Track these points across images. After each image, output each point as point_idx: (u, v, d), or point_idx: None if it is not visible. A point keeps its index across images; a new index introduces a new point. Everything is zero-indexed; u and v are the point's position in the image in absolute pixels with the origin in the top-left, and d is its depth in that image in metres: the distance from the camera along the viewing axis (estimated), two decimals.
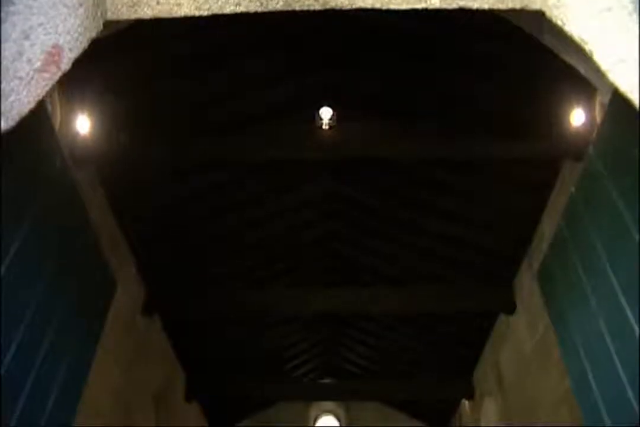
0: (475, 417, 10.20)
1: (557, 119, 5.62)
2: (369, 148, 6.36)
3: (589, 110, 5.27)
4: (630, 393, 3.06)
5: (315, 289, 8.65)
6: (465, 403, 10.79)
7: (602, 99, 4.14)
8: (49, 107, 4.83)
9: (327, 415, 13.56)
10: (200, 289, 8.31)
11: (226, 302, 8.30)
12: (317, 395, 11.92)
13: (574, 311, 4.05)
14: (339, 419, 13.43)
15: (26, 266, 3.74)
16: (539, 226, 6.90)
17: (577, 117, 5.43)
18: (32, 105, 1.72)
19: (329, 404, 13.48)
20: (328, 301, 8.19)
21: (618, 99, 3.46)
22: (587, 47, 1.93)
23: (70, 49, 1.89)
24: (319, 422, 13.42)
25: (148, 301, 8.07)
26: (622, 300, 3.40)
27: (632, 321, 3.26)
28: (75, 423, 5.86)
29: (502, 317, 8.34)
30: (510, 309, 7.91)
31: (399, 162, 7.18)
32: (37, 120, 3.85)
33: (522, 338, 7.60)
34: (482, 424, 9.83)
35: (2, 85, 1.55)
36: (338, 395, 11.63)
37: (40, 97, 1.76)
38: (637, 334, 3.19)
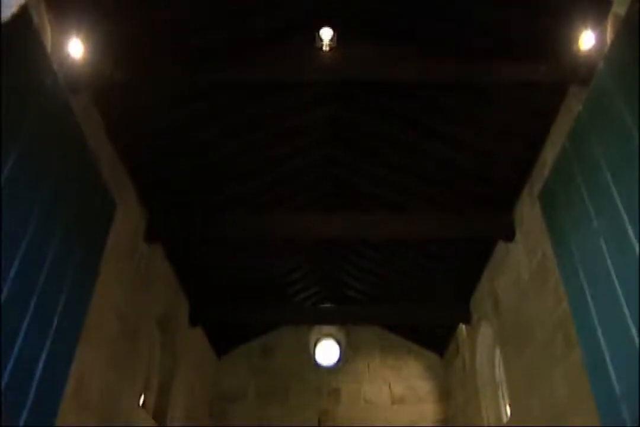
0: (471, 341, 10.44)
1: (564, 41, 5.45)
2: (370, 70, 6.24)
3: (599, 33, 5.09)
4: (627, 312, 3.08)
5: (316, 214, 8.64)
6: (463, 328, 11.02)
7: (616, 10, 3.99)
8: (41, 31, 4.70)
9: (327, 339, 13.87)
10: (201, 216, 8.32)
11: (227, 227, 8.32)
12: (318, 319, 12.15)
13: (575, 232, 4.03)
14: (338, 343, 13.76)
15: (22, 186, 3.70)
16: (542, 152, 6.83)
17: (586, 40, 5.24)
18: None
19: (329, 328, 13.77)
20: (328, 226, 8.21)
21: (635, 10, 3.32)
22: None
23: None
24: (320, 346, 13.75)
25: (149, 227, 8.10)
26: (625, 218, 3.37)
27: (634, 240, 3.23)
28: (82, 348, 6.03)
29: (501, 244, 8.39)
30: (510, 236, 7.94)
31: (400, 85, 7.05)
32: (26, 37, 3.72)
33: (520, 265, 7.68)
34: (478, 348, 10.07)
35: None
36: (338, 319, 11.85)
37: None
38: (637, 253, 3.17)
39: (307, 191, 9.69)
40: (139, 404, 8.22)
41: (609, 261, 2.25)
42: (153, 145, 7.21)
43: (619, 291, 2.99)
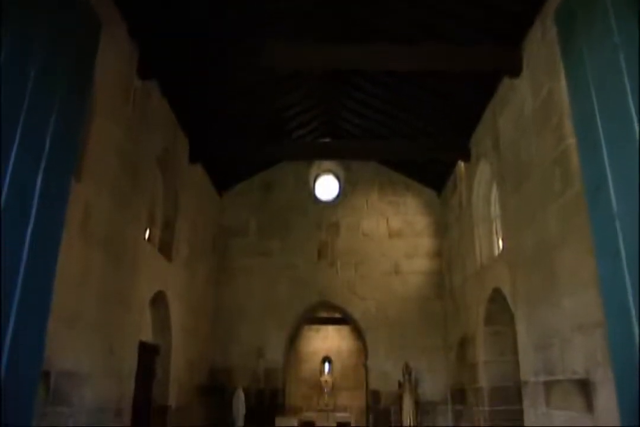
0: (469, 178, 10.56)
1: None
2: None
3: None
4: (638, 140, 2.90)
5: (318, 44, 8.22)
6: (461, 165, 11.09)
7: None
8: None
9: (326, 174, 14.05)
10: (197, 49, 7.94)
11: (226, 61, 8.00)
12: (317, 154, 12.17)
13: (593, 51, 3.75)
14: (338, 178, 13.96)
15: None
16: None
17: None
18: None
19: (328, 164, 13.89)
20: (330, 57, 7.88)
21: None
22: None
23: None
24: (319, 181, 13.96)
25: (142, 62, 7.79)
26: None
27: None
28: (84, 184, 6.08)
29: (506, 81, 8.15)
30: (517, 71, 7.68)
31: None
32: None
33: (524, 102, 7.50)
34: (475, 185, 10.20)
35: None
36: (337, 154, 11.87)
37: None
38: None
39: (310, 21, 9.16)
40: (144, 238, 8.50)
41: (626, 81, 2.07)
42: None
43: (632, 113, 2.80)
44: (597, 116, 1.58)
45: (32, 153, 1.21)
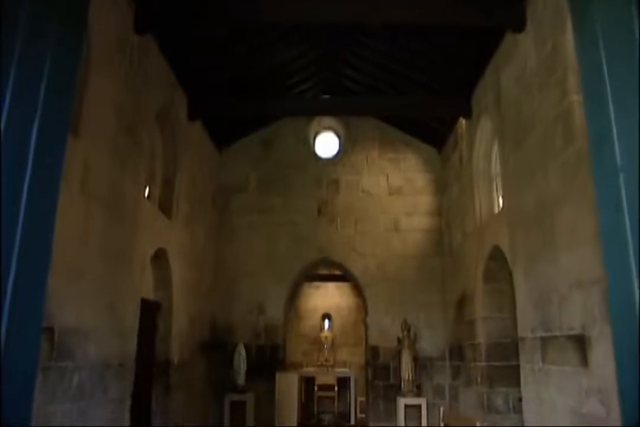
0: (470, 135, 10.48)
1: None
2: None
3: None
4: None
5: None
6: (462, 122, 11.00)
7: None
8: None
9: (326, 131, 13.95)
10: (196, 5, 7.80)
11: (224, 14, 7.85)
12: (317, 111, 12.06)
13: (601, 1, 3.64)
14: (338, 135, 13.87)
15: None
16: None
17: None
18: None
19: (328, 121, 13.77)
20: (330, 10, 7.75)
21: None
22: None
23: None
24: (319, 138, 13.87)
25: (139, 16, 7.64)
26: None
27: None
28: (82, 141, 6.04)
29: (510, 36, 8.00)
30: (520, 26, 7.53)
31: None
32: None
33: (527, 57, 7.39)
34: (476, 142, 10.14)
35: None
36: (337, 111, 11.77)
37: None
38: None
39: None
40: (144, 196, 8.49)
41: (637, 30, 1.98)
42: None
43: None
44: (605, 66, 1.53)
45: (25, 107, 1.18)
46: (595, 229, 5.32)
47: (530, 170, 7.27)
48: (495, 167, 9.75)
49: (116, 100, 7.07)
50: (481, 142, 10.09)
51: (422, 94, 11.22)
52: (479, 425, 8.79)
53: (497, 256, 8.98)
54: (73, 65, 1.51)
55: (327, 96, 12.73)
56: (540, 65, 6.95)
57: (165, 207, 9.47)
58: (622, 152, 1.28)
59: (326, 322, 19.84)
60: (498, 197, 9.59)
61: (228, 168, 13.31)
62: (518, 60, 7.75)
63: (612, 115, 1.31)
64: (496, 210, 9.49)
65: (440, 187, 13.08)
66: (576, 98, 5.91)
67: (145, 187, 8.71)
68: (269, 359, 12.43)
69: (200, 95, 10.50)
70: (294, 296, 16.16)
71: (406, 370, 11.78)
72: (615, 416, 5.01)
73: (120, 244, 7.27)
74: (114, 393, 6.99)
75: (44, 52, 1.35)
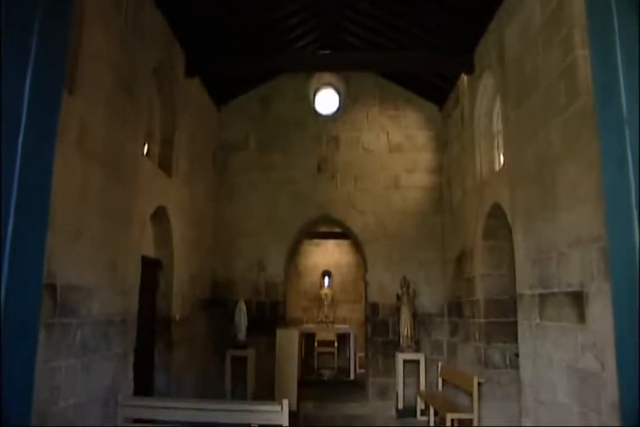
0: (472, 92, 10.37)
1: None
2: None
3: None
4: None
5: None
6: (464, 78, 10.86)
7: None
8: None
9: (326, 88, 13.76)
10: None
11: None
12: (317, 66, 11.87)
13: None
14: (338, 92, 13.69)
15: None
16: None
17: None
18: None
19: (328, 77, 13.58)
20: None
21: None
22: None
23: None
24: (319, 95, 13.70)
25: None
26: None
27: None
28: (78, 99, 5.97)
29: None
30: None
31: None
32: None
33: (532, 13, 7.23)
34: (478, 99, 10.03)
35: None
36: (338, 66, 11.59)
37: None
38: None
39: None
40: (143, 154, 8.44)
41: None
42: None
43: None
44: (614, 15, 1.48)
45: (16, 62, 1.15)
46: (596, 188, 5.31)
47: (532, 128, 7.21)
48: (497, 125, 9.67)
49: (111, 57, 6.96)
50: (483, 99, 9.98)
51: (424, 50, 11.03)
52: (476, 380, 8.96)
53: (497, 213, 8.99)
54: (65, 18, 1.47)
55: (327, 51, 12.53)
56: (545, 21, 6.81)
57: (165, 165, 9.43)
58: (628, 105, 1.26)
59: (326, 279, 20.03)
60: (499, 155, 9.54)
61: (227, 126, 13.20)
62: (522, 16, 7.60)
63: (620, 67, 1.28)
64: (497, 168, 9.45)
65: (441, 144, 13.00)
66: (581, 53, 5.82)
67: (144, 145, 8.66)
68: (269, 316, 12.58)
69: (199, 51, 10.34)
70: (294, 254, 16.27)
71: (405, 326, 11.92)
72: (610, 371, 5.09)
73: (119, 202, 7.27)
74: (117, 349, 7.10)
75: (33, 4, 1.31)
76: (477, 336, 9.70)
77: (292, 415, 7.64)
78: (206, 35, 10.17)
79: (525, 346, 7.37)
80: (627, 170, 1.20)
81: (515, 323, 7.87)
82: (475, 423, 8.99)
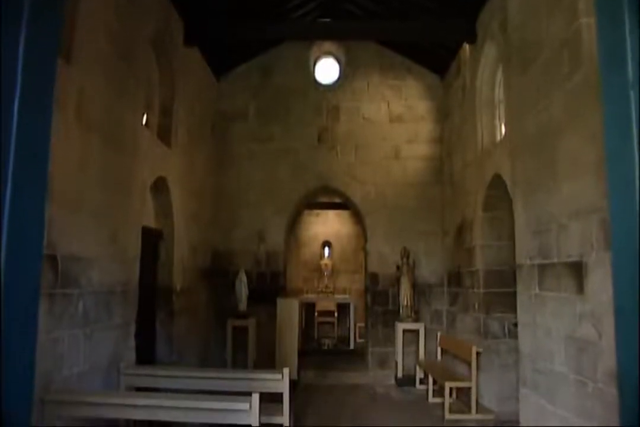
0: (474, 61, 10.25)
1: None
2: None
3: None
4: None
5: None
6: (466, 47, 10.73)
7: None
8: None
9: (326, 57, 13.60)
10: None
11: None
12: (317, 34, 11.72)
13: None
14: (338, 61, 13.53)
15: None
16: None
17: None
18: None
19: (328, 46, 13.41)
20: None
21: None
22: None
23: None
24: (319, 64, 13.55)
25: None
26: None
27: None
28: (76, 68, 5.90)
29: None
30: None
31: None
32: None
33: None
34: (480, 68, 9.92)
35: None
36: (338, 34, 11.44)
37: None
38: None
39: None
40: (142, 124, 8.39)
41: None
42: None
43: None
44: None
45: (10, 25, 1.12)
46: (597, 159, 5.28)
47: (534, 98, 7.14)
48: (499, 94, 9.59)
49: (109, 25, 6.86)
50: (485, 69, 9.87)
51: (425, 18, 10.87)
52: (475, 349, 9.05)
53: (497, 184, 8.97)
54: None
55: (327, 19, 12.35)
56: None
57: (164, 135, 9.37)
58: (634, 70, 1.23)
59: (326, 249, 20.09)
60: (500, 125, 9.48)
61: (227, 96, 13.09)
62: None
63: (627, 28, 1.25)
64: (498, 139, 9.40)
65: (442, 114, 12.91)
66: (585, 20, 5.73)
67: (143, 115, 8.59)
68: (269, 286, 12.65)
69: (197, 19, 10.20)
70: (294, 224, 16.28)
71: (405, 296, 11.99)
72: (607, 340, 5.13)
73: (119, 172, 7.24)
74: (119, 319, 7.16)
75: None
76: (476, 306, 9.76)
77: (293, 383, 7.73)
78: (205, 2, 10.01)
79: (524, 316, 7.42)
80: (632, 139, 1.19)
81: (514, 293, 7.91)
82: (473, 392, 9.11)
